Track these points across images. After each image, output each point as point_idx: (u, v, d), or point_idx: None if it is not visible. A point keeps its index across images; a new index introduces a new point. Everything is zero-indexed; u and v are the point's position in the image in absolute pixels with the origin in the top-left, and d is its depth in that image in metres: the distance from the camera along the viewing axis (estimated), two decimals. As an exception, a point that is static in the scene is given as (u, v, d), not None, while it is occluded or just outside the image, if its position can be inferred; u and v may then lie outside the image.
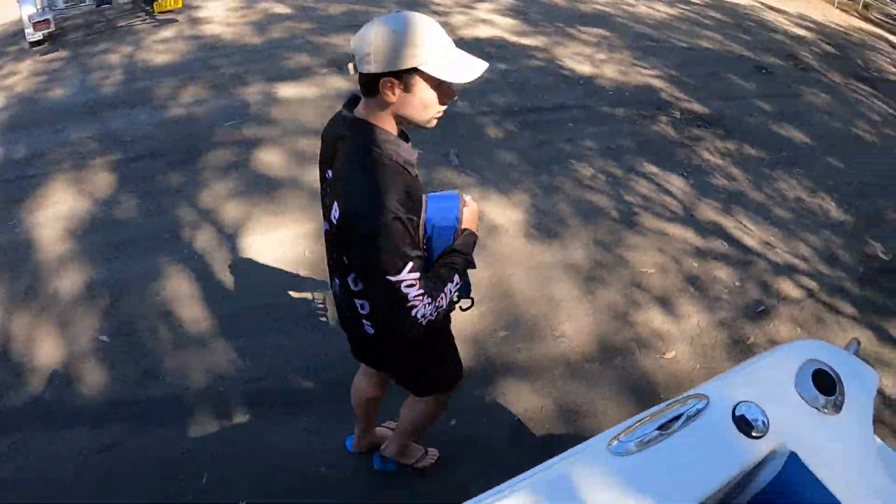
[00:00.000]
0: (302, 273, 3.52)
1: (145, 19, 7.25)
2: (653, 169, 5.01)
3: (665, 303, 3.72)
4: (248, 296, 3.40)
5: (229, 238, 3.73)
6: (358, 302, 1.62)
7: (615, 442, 1.30)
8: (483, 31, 7.22)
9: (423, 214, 1.50)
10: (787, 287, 4.17)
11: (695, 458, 1.29)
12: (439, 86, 1.39)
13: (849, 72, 10.66)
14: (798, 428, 1.40)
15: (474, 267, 1.64)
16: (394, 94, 1.36)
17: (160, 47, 6.52)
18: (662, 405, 1.51)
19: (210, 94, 5.49)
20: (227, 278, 3.49)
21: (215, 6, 7.61)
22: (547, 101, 5.84)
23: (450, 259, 1.58)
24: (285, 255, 3.62)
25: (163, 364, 3.04)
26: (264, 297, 3.38)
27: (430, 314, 1.46)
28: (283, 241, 3.72)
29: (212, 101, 5.30)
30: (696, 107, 6.63)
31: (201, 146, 4.65)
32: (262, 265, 3.56)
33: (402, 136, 1.51)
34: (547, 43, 7.22)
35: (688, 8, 11.39)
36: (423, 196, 1.54)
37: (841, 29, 15.43)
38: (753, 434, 1.34)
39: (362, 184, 1.37)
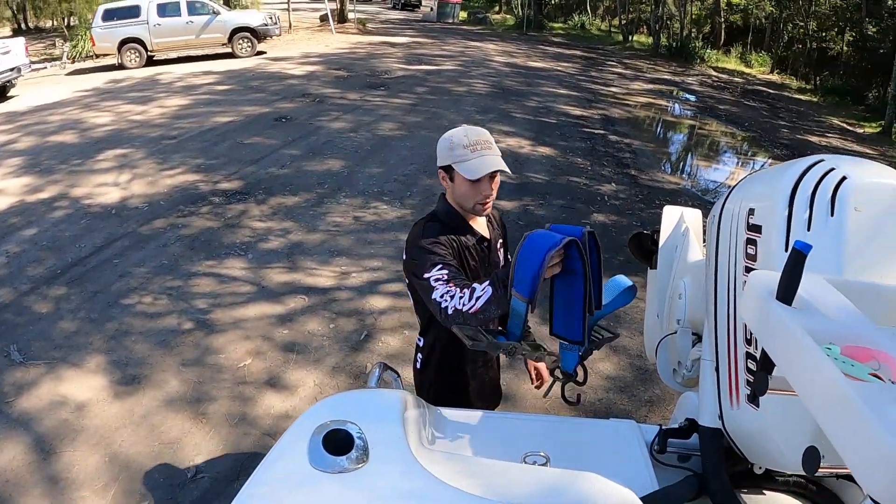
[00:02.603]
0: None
1: None
2: (210, 263, 4.91)
3: (275, 383, 3.62)
4: None
5: None
6: (418, 336, 2.10)
7: None
8: (-7, 205, 6.39)
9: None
10: (376, 302, 4.42)
11: None
12: (472, 181, 1.80)
13: (362, 85, 12.06)
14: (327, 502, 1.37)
15: (496, 289, 1.67)
16: (445, 181, 1.87)
17: None
18: None
19: None
20: None
21: None
22: (86, 248, 5.37)
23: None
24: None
25: None
26: None
27: (457, 306, 1.66)
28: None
29: None
30: (232, 183, 6.72)
31: None
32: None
33: (477, 214, 1.95)
34: (67, 186, 6.63)
35: (200, 92, 11.64)
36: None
37: (346, 51, 17.41)
38: None
39: (415, 229, 1.89)
